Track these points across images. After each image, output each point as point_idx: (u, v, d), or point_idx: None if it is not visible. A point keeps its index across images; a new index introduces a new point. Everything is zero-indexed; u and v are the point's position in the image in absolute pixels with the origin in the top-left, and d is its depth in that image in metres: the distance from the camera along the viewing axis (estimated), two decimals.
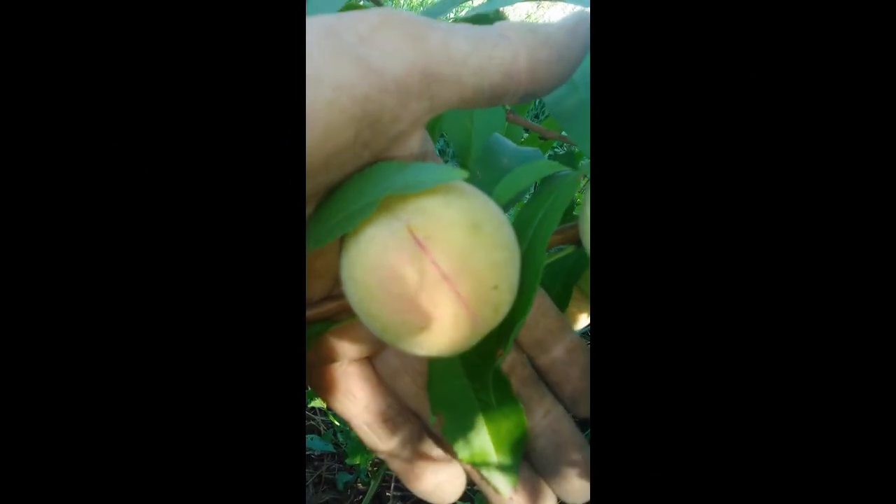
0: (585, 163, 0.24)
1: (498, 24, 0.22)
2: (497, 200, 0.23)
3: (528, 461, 0.28)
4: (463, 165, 0.34)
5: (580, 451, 0.27)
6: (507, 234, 0.21)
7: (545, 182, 0.25)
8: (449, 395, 0.26)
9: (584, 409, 0.28)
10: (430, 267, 0.19)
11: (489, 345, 0.22)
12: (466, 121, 0.34)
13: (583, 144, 0.27)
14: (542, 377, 0.28)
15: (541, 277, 0.22)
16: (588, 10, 0.23)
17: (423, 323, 0.20)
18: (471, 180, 0.35)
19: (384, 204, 0.20)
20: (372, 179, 0.20)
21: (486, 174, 0.36)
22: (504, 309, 0.21)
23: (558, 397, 0.28)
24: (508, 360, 0.27)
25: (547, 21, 0.23)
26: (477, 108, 0.22)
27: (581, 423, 0.88)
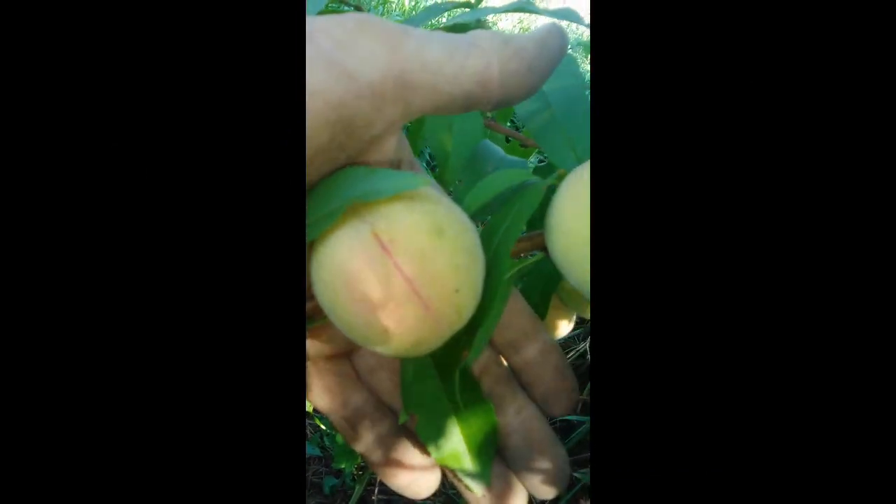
0: (555, 174, 0.25)
1: (471, 34, 0.22)
2: (468, 207, 0.24)
3: (500, 458, 0.28)
4: (441, 173, 0.35)
5: (551, 449, 0.28)
6: (470, 239, 0.22)
7: (514, 190, 0.25)
8: (422, 396, 0.27)
9: (557, 409, 0.29)
10: (394, 270, 0.20)
11: (459, 347, 0.23)
12: (445, 130, 0.35)
13: (555, 157, 0.28)
14: (516, 377, 0.29)
15: (508, 283, 0.23)
16: (560, 23, 0.24)
17: (386, 324, 0.20)
18: (453, 186, 0.36)
19: (351, 208, 0.20)
20: (339, 185, 0.21)
21: (470, 181, 0.37)
22: (466, 312, 0.22)
23: (531, 397, 0.29)
24: (482, 360, 0.28)
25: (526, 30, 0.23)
26: (450, 115, 0.23)
27: (555, 423, 0.89)
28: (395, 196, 0.20)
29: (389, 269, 0.20)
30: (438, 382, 0.27)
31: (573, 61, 0.30)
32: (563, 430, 0.89)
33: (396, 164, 0.24)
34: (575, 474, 0.83)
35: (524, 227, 0.22)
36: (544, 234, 0.24)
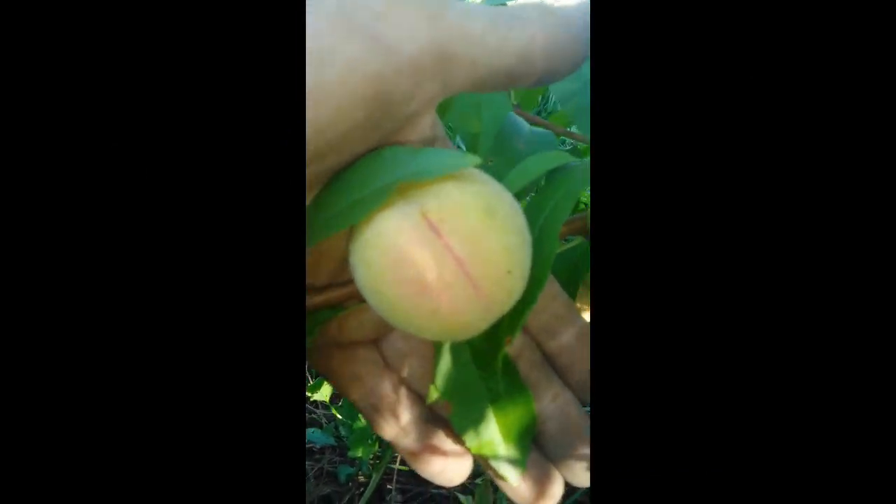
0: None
1: (515, 5, 0.21)
2: (508, 189, 0.24)
3: (536, 445, 0.28)
4: None
5: (588, 435, 0.27)
6: (520, 221, 0.21)
7: (555, 172, 0.25)
8: (457, 384, 0.26)
9: None
10: (444, 251, 0.19)
11: (498, 331, 0.22)
12: (473, 114, 0.34)
13: None
14: (551, 362, 0.28)
15: (551, 265, 0.23)
16: None
17: (435, 306, 0.20)
18: (482, 167, 0.35)
19: (396, 187, 0.20)
20: (383, 164, 0.20)
21: (501, 158, 0.36)
22: (517, 294, 0.21)
23: (566, 382, 0.28)
24: (517, 345, 0.27)
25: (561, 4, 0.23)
26: (490, 91, 0.22)
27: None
28: (444, 175, 0.20)
29: (440, 249, 0.19)
30: (474, 369, 0.26)
31: None
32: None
33: (431, 143, 0.23)
34: None
35: (574, 203, 0.22)
36: (586, 218, 0.24)
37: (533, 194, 0.24)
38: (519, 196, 0.24)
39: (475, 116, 0.34)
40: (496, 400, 0.26)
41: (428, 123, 0.22)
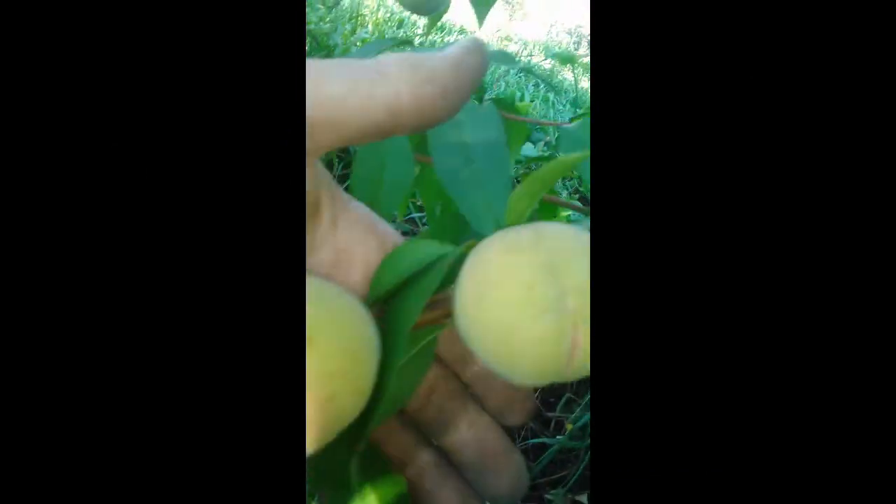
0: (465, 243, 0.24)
1: (378, 60, 0.21)
2: (376, 289, 0.23)
3: (457, 472, 0.28)
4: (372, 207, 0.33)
5: (507, 457, 0.28)
6: (350, 338, 0.21)
7: (427, 267, 0.24)
8: (329, 470, 0.26)
9: (512, 419, 0.29)
10: None
11: (346, 443, 0.22)
12: (377, 172, 0.33)
13: (473, 219, 0.26)
14: (470, 390, 0.28)
15: (423, 360, 0.22)
16: (477, 38, 0.23)
17: None
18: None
19: None
20: None
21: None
22: (349, 412, 0.21)
23: (486, 409, 0.28)
24: (431, 376, 0.27)
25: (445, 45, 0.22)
26: (364, 143, 0.22)
27: (528, 444, 0.88)
28: None
29: None
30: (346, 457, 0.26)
31: (494, 111, 0.29)
32: (534, 449, 0.89)
33: (314, 198, 0.23)
34: (546, 496, 0.83)
35: (420, 312, 0.21)
36: (448, 300, 0.23)
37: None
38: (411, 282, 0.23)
39: (378, 169, 0.33)
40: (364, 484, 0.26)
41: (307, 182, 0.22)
